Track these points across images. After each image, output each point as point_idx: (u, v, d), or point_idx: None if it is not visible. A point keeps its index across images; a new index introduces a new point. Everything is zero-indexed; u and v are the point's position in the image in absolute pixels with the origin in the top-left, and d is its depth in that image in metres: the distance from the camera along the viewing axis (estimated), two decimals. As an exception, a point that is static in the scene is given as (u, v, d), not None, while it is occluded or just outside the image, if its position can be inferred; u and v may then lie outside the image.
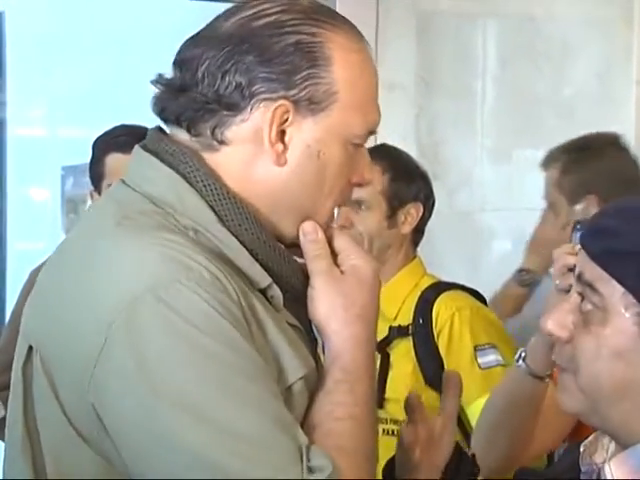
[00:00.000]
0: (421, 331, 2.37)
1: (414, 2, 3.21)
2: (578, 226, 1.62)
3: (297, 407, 1.20)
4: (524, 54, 3.30)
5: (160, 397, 1.10)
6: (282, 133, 1.23)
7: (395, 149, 2.57)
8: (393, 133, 3.19)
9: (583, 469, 1.23)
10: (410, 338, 2.38)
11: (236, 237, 1.23)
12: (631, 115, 3.32)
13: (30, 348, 1.21)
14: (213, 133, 1.24)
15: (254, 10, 1.25)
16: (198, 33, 1.28)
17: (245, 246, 1.23)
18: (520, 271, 2.57)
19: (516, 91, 3.32)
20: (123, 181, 1.28)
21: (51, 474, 1.19)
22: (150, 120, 2.78)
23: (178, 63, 1.26)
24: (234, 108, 1.23)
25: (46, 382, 1.18)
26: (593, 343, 1.15)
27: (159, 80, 1.27)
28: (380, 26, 3.01)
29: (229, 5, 1.30)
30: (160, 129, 1.29)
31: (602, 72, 3.31)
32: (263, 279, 1.23)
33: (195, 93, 1.23)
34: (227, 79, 1.22)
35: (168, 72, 1.29)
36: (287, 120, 1.23)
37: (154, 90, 1.29)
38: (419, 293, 2.42)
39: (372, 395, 1.25)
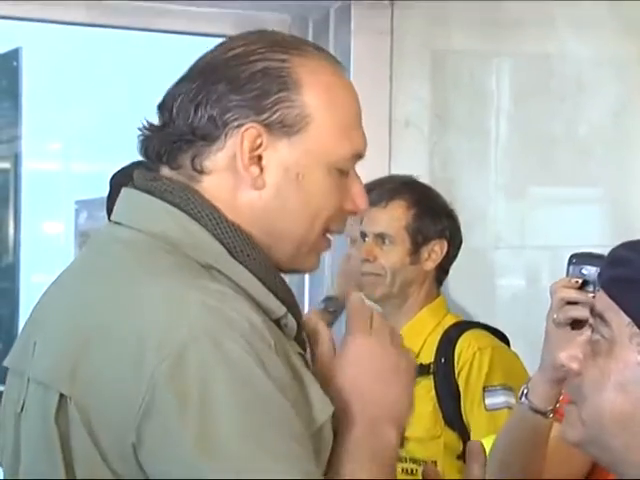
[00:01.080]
0: (442, 370, 2.36)
1: (428, 40, 3.22)
2: (574, 260, 1.63)
3: (326, 445, 1.20)
4: (538, 92, 3.30)
5: (199, 445, 1.10)
6: (259, 158, 1.24)
7: (423, 185, 2.57)
8: (407, 169, 3.18)
9: None
10: (431, 377, 2.36)
11: (246, 268, 1.24)
12: (646, 154, 3.31)
13: (61, 396, 1.19)
14: (193, 163, 1.26)
15: (224, 46, 1.29)
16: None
17: (255, 276, 1.24)
18: (327, 299, 2.66)
19: (530, 129, 3.32)
20: (118, 222, 1.27)
21: None
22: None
23: (159, 105, 1.30)
24: (208, 138, 1.25)
25: (84, 429, 1.17)
26: (598, 374, 1.16)
27: (144, 124, 1.30)
28: (394, 64, 3.02)
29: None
30: (147, 169, 1.31)
31: (617, 111, 3.30)
32: (278, 309, 1.24)
33: (171, 129, 1.26)
34: (200, 112, 1.24)
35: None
36: (261, 144, 1.24)
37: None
38: (442, 332, 2.41)
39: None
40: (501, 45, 3.31)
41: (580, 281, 1.59)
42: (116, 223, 1.28)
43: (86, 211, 4.25)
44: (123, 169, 2.65)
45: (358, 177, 1.32)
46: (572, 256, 1.63)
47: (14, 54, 4.32)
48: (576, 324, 1.58)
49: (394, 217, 2.45)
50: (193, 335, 1.12)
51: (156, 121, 1.30)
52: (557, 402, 1.64)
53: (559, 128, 3.30)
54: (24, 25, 3.52)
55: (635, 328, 1.14)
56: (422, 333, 2.43)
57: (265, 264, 1.25)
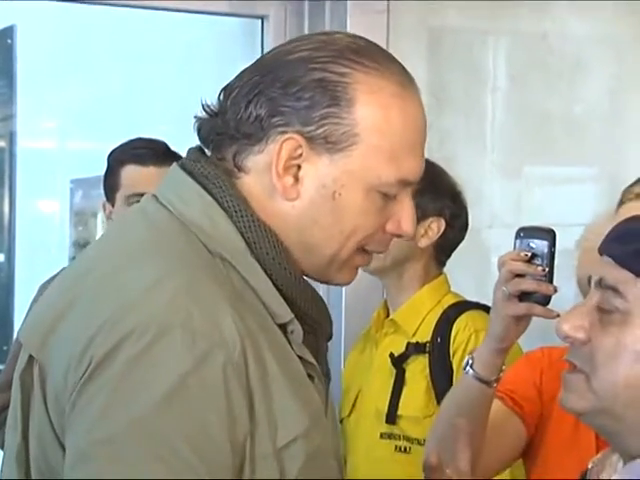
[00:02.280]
0: (438, 350, 2.36)
1: (425, 18, 3.21)
2: (522, 233, 1.65)
3: (296, 464, 1.17)
4: (535, 71, 3.29)
5: (93, 433, 1.10)
6: (298, 168, 1.22)
7: (432, 164, 2.56)
8: (403, 149, 3.18)
9: None
10: (426, 356, 2.37)
11: (262, 267, 1.22)
12: (642, 133, 3.31)
13: (30, 357, 1.21)
14: (234, 159, 1.24)
15: (292, 45, 1.25)
16: None
17: (270, 277, 1.22)
18: None
19: (527, 108, 3.31)
20: (155, 197, 1.28)
21: None
22: (159, 133, 2.79)
23: (222, 89, 1.28)
24: (252, 138, 1.23)
25: (40, 391, 1.18)
26: (612, 344, 1.17)
27: (202, 104, 1.29)
28: (391, 42, 3.01)
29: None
30: (200, 149, 1.30)
31: (614, 90, 3.30)
32: (285, 314, 1.22)
33: (221, 120, 1.24)
34: (249, 109, 1.22)
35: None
36: (301, 155, 1.21)
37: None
38: (441, 311, 2.41)
39: None
40: (498, 23, 3.30)
41: (529, 254, 1.60)
42: (154, 197, 1.28)
43: (81, 190, 4.24)
44: (121, 146, 2.64)
45: (409, 199, 1.29)
46: (520, 229, 1.66)
47: (9, 32, 4.31)
48: (524, 296, 1.60)
49: None
50: (141, 324, 1.11)
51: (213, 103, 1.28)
52: (500, 371, 1.66)
53: (556, 107, 3.30)
54: (19, 2, 3.50)
55: None
56: (421, 311, 2.43)
57: (286, 267, 1.23)
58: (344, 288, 2.88)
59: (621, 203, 1.82)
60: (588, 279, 1.23)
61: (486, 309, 2.41)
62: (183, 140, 2.82)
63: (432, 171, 2.53)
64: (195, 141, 1.32)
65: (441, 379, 2.33)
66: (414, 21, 3.19)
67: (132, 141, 2.62)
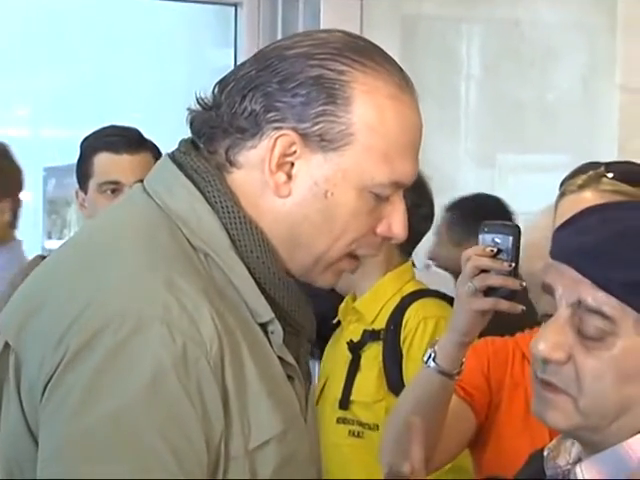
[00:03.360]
0: (391, 337, 2.37)
1: (398, 6, 3.21)
2: (485, 228, 1.64)
3: (268, 467, 1.17)
4: (508, 59, 3.30)
5: (71, 427, 1.09)
6: (291, 165, 1.21)
7: None
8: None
9: (548, 473, 1.24)
10: (380, 343, 2.38)
11: (246, 265, 1.21)
12: (614, 120, 3.33)
13: (6, 344, 1.20)
14: (227, 154, 1.23)
15: (291, 41, 1.24)
16: None
17: (253, 275, 1.21)
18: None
19: (500, 96, 3.33)
20: (144, 187, 1.26)
21: (1, 472, 1.19)
22: (132, 121, 2.78)
23: (218, 82, 1.26)
24: (245, 133, 1.21)
25: (14, 380, 1.18)
26: (599, 367, 1.14)
27: (197, 98, 1.27)
28: (364, 30, 3.01)
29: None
30: (192, 141, 1.27)
31: (586, 77, 3.32)
32: (265, 313, 1.21)
33: (215, 113, 1.23)
34: (244, 103, 1.21)
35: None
36: (295, 152, 1.20)
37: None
38: (400, 299, 2.41)
39: None
40: (472, 11, 3.31)
41: (495, 250, 1.60)
42: (142, 186, 1.26)
43: (54, 178, 4.22)
44: (94, 133, 2.63)
45: (401, 203, 1.26)
46: (484, 224, 1.65)
47: (-20, 19, 4.28)
48: (490, 291, 1.60)
49: None
50: (117, 317, 1.10)
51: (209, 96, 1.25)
52: (462, 364, 1.67)
53: (528, 95, 3.31)
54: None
55: None
56: (382, 299, 2.43)
57: (269, 266, 1.22)
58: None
59: (562, 195, 1.80)
60: (544, 287, 1.18)
61: (443, 297, 2.42)
62: (156, 127, 2.81)
63: None
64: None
65: (392, 366, 2.35)
66: (388, 9, 3.19)
67: (105, 129, 2.61)
